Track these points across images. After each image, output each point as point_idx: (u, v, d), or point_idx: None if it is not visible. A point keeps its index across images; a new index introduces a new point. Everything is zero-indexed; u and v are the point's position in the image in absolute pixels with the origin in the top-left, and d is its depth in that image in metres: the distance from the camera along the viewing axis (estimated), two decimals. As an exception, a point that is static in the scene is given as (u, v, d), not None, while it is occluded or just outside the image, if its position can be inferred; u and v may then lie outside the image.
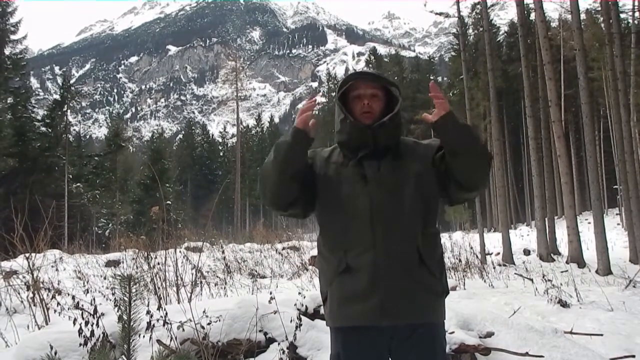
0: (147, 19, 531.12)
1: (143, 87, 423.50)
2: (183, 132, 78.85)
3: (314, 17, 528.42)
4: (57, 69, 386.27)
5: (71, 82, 36.47)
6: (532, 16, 22.58)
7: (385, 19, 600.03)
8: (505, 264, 14.09)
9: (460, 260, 11.14)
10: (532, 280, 9.25)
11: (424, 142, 2.14)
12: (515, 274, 11.09)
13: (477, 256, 12.87)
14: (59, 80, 37.13)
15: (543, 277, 8.25)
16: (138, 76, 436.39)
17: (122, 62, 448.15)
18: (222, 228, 36.80)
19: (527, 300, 7.02)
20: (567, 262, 13.34)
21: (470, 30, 37.91)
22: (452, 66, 42.74)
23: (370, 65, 53.11)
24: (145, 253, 6.52)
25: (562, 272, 11.25)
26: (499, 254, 16.05)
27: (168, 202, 31.69)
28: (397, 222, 1.93)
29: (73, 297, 4.97)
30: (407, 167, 2.01)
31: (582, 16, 21.50)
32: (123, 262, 10.58)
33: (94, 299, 3.78)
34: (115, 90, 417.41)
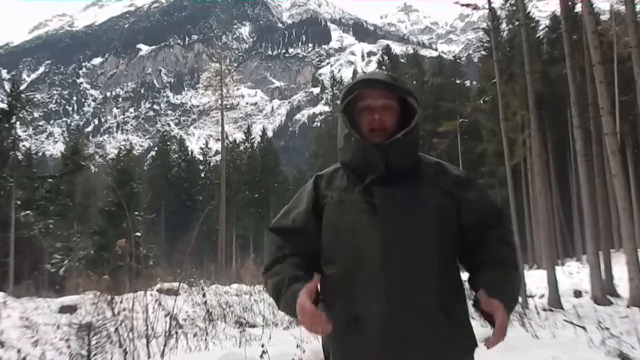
0: (113, 13, 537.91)
1: (108, 94, 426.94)
2: (156, 148, 79.18)
3: (315, 10, 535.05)
4: (4, 73, 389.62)
5: (21, 88, 36.79)
6: (578, 7, 22.75)
7: (401, 11, 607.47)
8: (551, 308, 13.99)
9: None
10: (584, 328, 9.15)
11: (450, 169, 2.12)
12: (564, 320, 10.99)
13: (516, 299, 12.74)
14: (7, 86, 37.44)
15: (598, 324, 8.18)
16: (102, 81, 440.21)
17: (83, 64, 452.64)
18: (203, 265, 36.53)
19: (580, 353, 6.94)
20: (627, 306, 13.23)
21: (504, 25, 38.19)
22: (483, 68, 43.01)
23: (384, 68, 53.33)
24: (109, 296, 6.47)
25: (621, 317, 11.15)
26: (543, 296, 15.94)
27: (137, 233, 31.53)
28: (414, 264, 1.91)
29: (19, 351, 4.92)
30: (428, 195, 2.00)
31: (638, 7, 21.69)
32: (81, 308, 10.51)
33: (44, 353, 3.73)
34: (74, 98, 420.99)
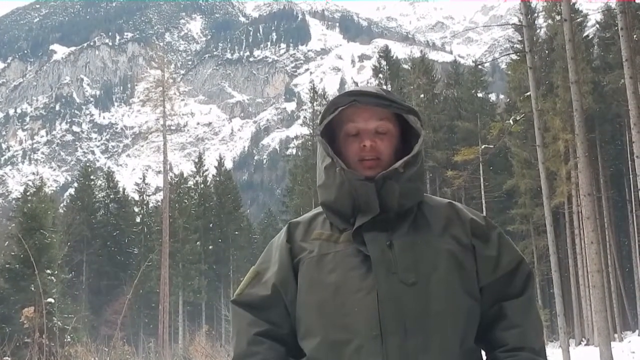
0: (18, 3, 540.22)
1: (11, 111, 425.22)
2: (76, 184, 78.79)
3: (290, 0, 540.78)
4: None
5: None
6: (638, -3, 23.20)
7: (404, 1, 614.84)
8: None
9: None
10: None
11: (466, 213, 2.15)
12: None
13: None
14: None
15: None
16: (3, 94, 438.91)
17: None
18: (140, 341, 36.47)
19: None
20: None
21: (541, 20, 38.77)
22: (513, 76, 43.43)
23: (381, 75, 53.70)
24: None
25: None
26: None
27: (50, 299, 31.35)
28: (422, 335, 1.91)
29: None
30: (438, 246, 2.02)
31: None
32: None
33: None
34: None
